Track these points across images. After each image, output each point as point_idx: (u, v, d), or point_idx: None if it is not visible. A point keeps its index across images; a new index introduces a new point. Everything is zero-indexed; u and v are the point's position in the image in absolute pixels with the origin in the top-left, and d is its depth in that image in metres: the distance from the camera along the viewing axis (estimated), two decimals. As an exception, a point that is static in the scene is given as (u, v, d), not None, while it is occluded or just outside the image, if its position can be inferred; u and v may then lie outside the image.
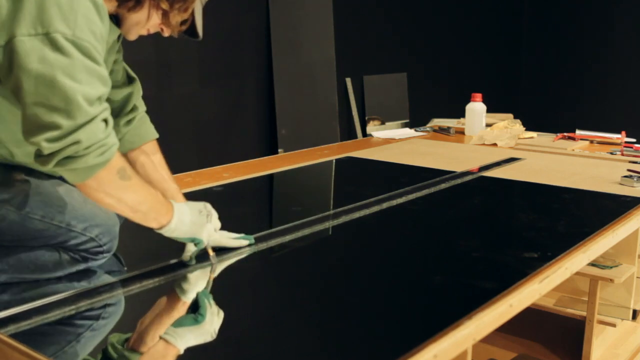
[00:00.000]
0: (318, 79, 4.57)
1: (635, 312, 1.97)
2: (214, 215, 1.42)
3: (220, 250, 1.48)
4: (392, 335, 1.18)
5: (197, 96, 3.99)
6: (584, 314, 1.89)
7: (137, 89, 1.55)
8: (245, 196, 2.18)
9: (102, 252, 1.37)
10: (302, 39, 4.47)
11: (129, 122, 1.51)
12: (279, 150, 4.32)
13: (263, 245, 1.57)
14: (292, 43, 4.41)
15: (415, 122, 4.60)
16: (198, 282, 1.38)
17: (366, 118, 5.01)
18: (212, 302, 1.28)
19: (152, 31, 1.37)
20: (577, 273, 1.65)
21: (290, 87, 4.41)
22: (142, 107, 1.56)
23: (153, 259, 1.44)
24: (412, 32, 5.46)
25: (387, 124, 5.09)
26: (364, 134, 4.90)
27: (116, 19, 1.32)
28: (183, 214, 1.34)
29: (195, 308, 1.25)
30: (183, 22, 1.36)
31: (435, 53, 5.71)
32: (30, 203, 1.30)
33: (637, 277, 1.95)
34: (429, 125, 3.45)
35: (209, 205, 1.42)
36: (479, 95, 3.17)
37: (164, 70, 3.78)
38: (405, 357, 1.05)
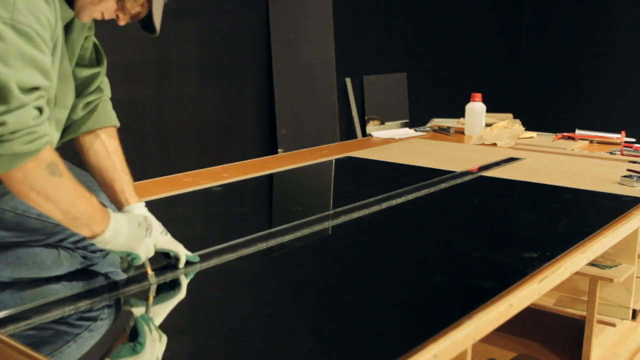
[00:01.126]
0: (318, 79, 4.57)
1: (635, 312, 1.97)
2: (155, 229, 1.32)
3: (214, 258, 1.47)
4: (392, 335, 1.18)
5: (197, 96, 3.99)
6: (583, 313, 1.89)
7: (104, 71, 1.48)
8: (245, 196, 2.18)
9: (101, 250, 1.37)
10: (302, 39, 4.47)
11: (88, 104, 1.43)
12: (279, 150, 4.32)
13: (263, 245, 1.57)
14: (291, 43, 4.41)
15: (415, 122, 4.60)
16: (138, 304, 1.28)
17: (366, 118, 5.01)
18: (153, 326, 1.18)
19: (107, 16, 1.30)
20: (577, 273, 1.65)
21: (290, 87, 4.41)
22: (106, 91, 1.49)
23: (152, 258, 1.44)
24: (411, 32, 5.46)
25: (387, 123, 5.09)
26: (364, 134, 4.90)
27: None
28: (120, 225, 1.25)
29: (134, 335, 1.15)
30: (140, 13, 1.31)
31: (434, 53, 5.71)
32: (26, 202, 1.30)
33: (637, 277, 1.95)
34: (428, 125, 3.45)
35: (151, 218, 1.34)
36: (478, 95, 3.17)
37: (164, 70, 3.78)
38: (405, 357, 1.05)
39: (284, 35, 4.36)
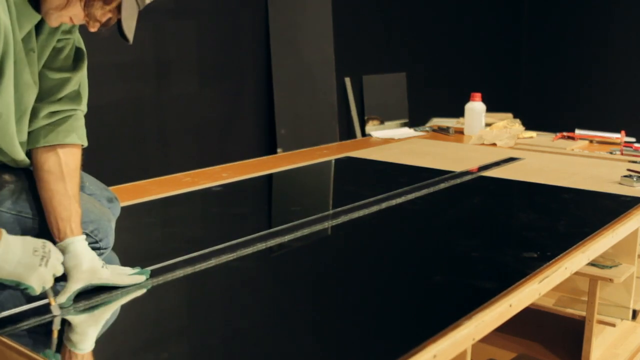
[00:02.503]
0: (317, 78, 4.56)
1: (634, 312, 1.97)
2: (54, 258, 1.18)
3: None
4: (391, 336, 1.18)
5: (196, 96, 3.99)
6: (583, 313, 1.89)
7: (77, 79, 1.36)
8: (244, 196, 2.18)
9: (98, 249, 1.37)
10: (301, 39, 4.47)
11: (53, 114, 1.32)
12: (278, 150, 4.32)
13: (262, 246, 1.57)
14: (291, 43, 4.40)
15: (415, 121, 4.59)
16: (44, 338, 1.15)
17: (365, 118, 5.01)
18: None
19: (76, 22, 1.24)
20: (577, 273, 1.65)
21: (290, 87, 4.40)
22: (81, 105, 1.37)
23: (152, 258, 1.43)
24: (411, 31, 5.46)
25: (386, 123, 5.09)
26: (363, 134, 4.90)
27: (36, 2, 1.21)
28: (10, 250, 1.12)
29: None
30: (111, 20, 1.24)
31: (434, 52, 5.71)
32: (21, 203, 1.29)
33: (637, 277, 1.95)
34: (428, 125, 3.44)
35: (49, 245, 1.19)
36: (478, 95, 3.17)
37: (163, 70, 3.78)
38: (405, 357, 1.05)
39: (283, 35, 4.35)
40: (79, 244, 1.26)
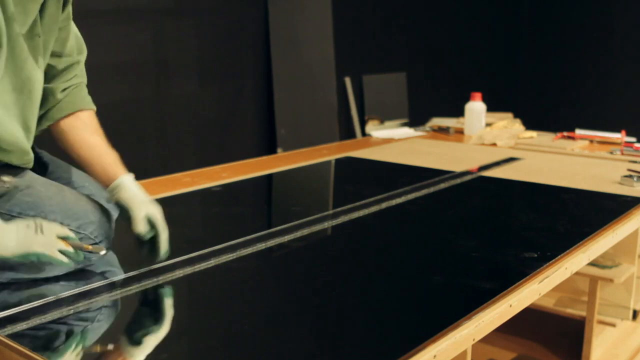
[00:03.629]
0: (317, 78, 4.56)
1: (635, 312, 1.97)
2: (46, 224, 1.26)
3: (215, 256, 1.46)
4: (391, 336, 1.18)
5: (196, 95, 3.99)
6: (583, 314, 1.89)
7: (83, 59, 1.50)
8: (244, 196, 2.18)
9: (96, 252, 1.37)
10: (301, 39, 4.47)
11: (66, 89, 1.45)
12: (278, 149, 4.32)
13: (262, 246, 1.57)
14: (291, 42, 4.40)
15: (415, 121, 4.59)
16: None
17: (365, 117, 5.01)
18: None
19: None
20: (577, 273, 1.65)
21: (289, 86, 4.40)
22: (83, 78, 1.50)
23: (152, 258, 1.43)
24: (411, 31, 5.46)
25: (386, 123, 5.09)
26: (363, 134, 4.90)
27: None
28: (6, 234, 1.21)
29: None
30: None
31: (434, 52, 5.71)
32: (21, 204, 1.30)
33: (637, 277, 1.95)
34: (428, 124, 3.44)
35: (39, 219, 1.27)
36: (478, 95, 3.17)
37: (163, 70, 3.77)
38: (405, 357, 1.05)
39: (283, 35, 4.35)
40: (128, 180, 1.39)
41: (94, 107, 1.50)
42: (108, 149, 1.43)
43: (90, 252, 1.31)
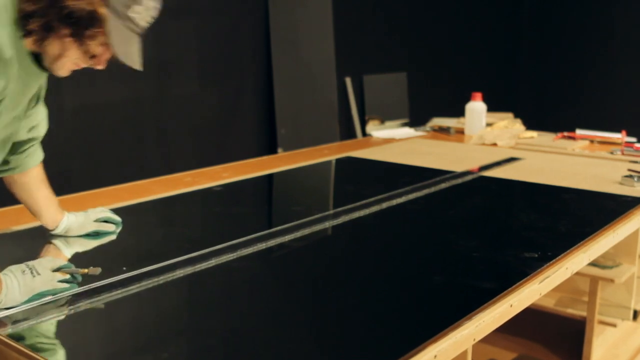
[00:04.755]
0: (318, 78, 4.56)
1: (635, 312, 1.97)
2: (37, 263, 1.28)
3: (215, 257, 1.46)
4: (392, 336, 1.18)
5: (197, 96, 3.99)
6: (584, 314, 1.89)
7: (43, 126, 1.54)
8: (244, 196, 2.18)
9: None
10: (302, 39, 4.47)
11: (24, 151, 1.51)
12: (279, 149, 4.32)
13: (262, 245, 1.57)
14: (291, 42, 4.40)
15: (415, 121, 4.59)
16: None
17: (366, 118, 5.01)
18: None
19: (83, 64, 1.31)
20: (578, 273, 1.65)
21: (290, 86, 4.40)
22: (42, 131, 1.54)
23: (152, 258, 1.43)
24: (412, 31, 5.46)
25: (387, 123, 5.09)
26: (364, 134, 4.90)
27: (38, 58, 1.27)
28: (9, 288, 1.22)
29: None
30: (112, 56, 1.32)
31: (435, 52, 5.71)
32: None
33: (638, 277, 1.95)
34: (428, 124, 3.44)
35: (29, 262, 1.28)
36: (479, 95, 3.16)
37: (164, 70, 3.77)
38: (406, 357, 1.05)
39: (283, 35, 4.35)
40: (68, 217, 1.59)
41: (42, 158, 1.56)
42: (51, 197, 1.56)
43: (86, 274, 1.33)
